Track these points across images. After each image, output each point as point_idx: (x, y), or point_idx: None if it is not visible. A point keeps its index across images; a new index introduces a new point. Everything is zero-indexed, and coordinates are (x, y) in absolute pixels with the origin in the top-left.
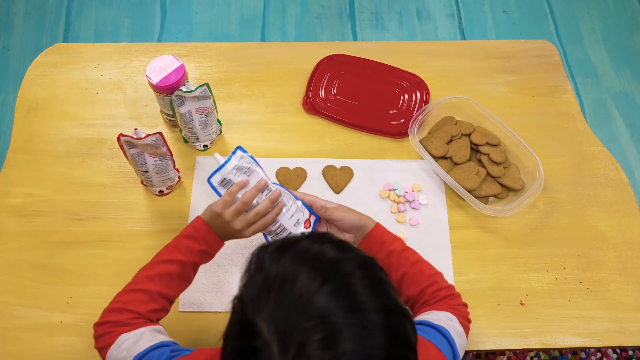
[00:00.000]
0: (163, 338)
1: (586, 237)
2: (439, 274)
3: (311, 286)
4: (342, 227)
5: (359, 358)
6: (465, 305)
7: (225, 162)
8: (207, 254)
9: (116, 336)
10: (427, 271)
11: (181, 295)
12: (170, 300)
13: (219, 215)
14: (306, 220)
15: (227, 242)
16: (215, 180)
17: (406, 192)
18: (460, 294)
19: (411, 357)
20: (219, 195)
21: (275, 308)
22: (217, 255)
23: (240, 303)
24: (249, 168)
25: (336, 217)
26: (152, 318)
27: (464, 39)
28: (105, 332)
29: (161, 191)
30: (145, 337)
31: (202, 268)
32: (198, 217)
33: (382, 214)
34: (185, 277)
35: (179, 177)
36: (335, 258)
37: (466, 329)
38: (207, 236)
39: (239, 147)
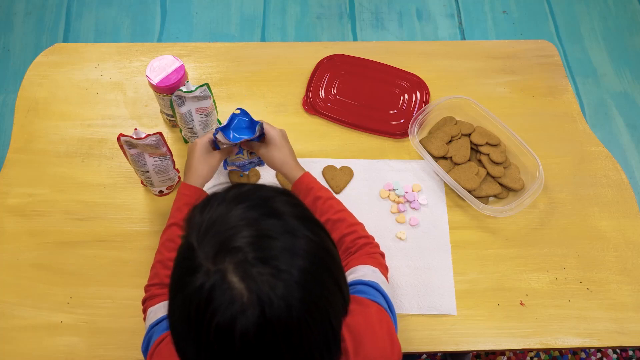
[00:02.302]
0: None
1: (586, 237)
2: (360, 225)
3: (236, 209)
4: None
5: (283, 248)
6: (383, 255)
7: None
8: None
9: (146, 310)
10: (349, 220)
11: None
12: None
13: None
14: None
15: None
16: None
17: (406, 192)
18: (378, 244)
19: (330, 247)
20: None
21: (207, 231)
22: None
23: (184, 237)
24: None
25: (261, 153)
26: None
27: (464, 39)
28: (144, 308)
29: (161, 191)
30: (163, 307)
31: None
32: (182, 183)
33: (382, 214)
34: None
35: (179, 177)
36: (254, 189)
37: (386, 277)
38: (186, 191)
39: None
